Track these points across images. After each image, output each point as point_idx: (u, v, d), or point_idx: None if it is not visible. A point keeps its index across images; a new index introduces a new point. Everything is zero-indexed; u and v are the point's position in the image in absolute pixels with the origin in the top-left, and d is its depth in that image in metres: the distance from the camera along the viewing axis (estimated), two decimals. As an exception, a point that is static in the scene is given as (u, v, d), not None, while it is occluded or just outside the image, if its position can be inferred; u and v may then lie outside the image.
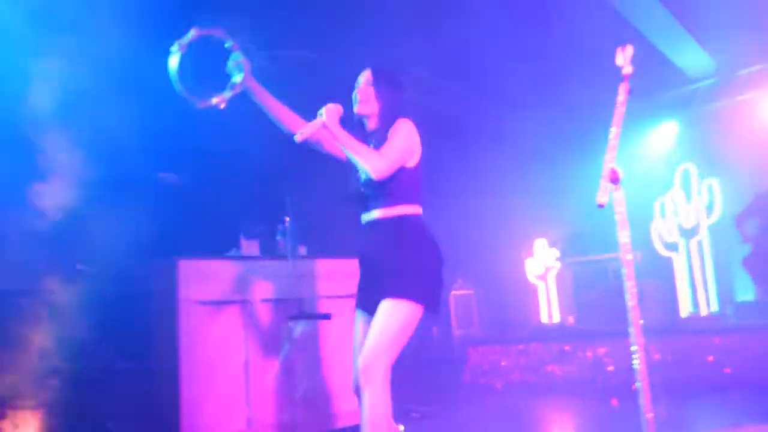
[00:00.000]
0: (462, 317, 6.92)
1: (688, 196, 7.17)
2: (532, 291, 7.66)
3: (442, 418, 4.58)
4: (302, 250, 4.04)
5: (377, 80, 2.54)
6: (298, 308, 3.80)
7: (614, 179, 2.06)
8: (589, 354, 5.65)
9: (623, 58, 2.30)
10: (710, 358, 5.06)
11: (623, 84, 2.27)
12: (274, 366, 3.79)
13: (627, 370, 5.24)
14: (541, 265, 7.63)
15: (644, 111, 7.74)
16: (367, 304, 2.46)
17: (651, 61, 6.86)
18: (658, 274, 7.07)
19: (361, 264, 2.56)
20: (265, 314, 3.78)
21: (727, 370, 4.90)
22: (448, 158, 7.26)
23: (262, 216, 4.14)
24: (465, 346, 6.48)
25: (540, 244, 7.66)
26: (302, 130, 2.35)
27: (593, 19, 5.76)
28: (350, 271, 4.15)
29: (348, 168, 2.58)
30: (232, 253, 3.88)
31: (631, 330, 1.95)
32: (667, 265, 7.16)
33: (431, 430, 4.19)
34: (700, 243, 7.03)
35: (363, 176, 2.46)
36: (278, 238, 3.90)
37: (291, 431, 3.67)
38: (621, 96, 2.26)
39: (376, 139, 2.50)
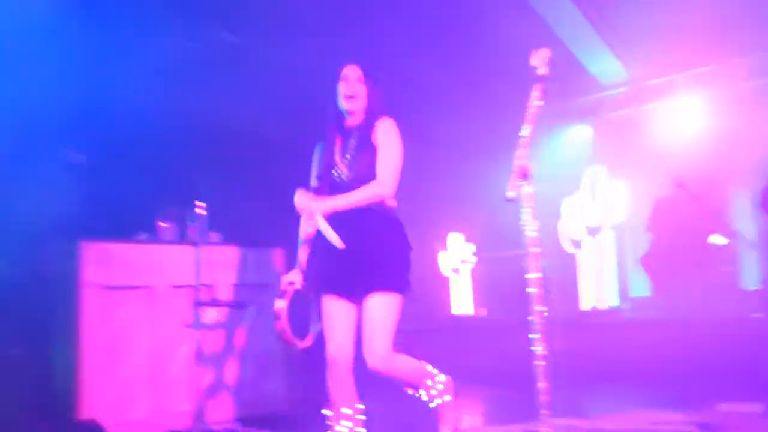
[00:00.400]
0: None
1: (595, 197, 7.55)
2: (445, 283, 7.83)
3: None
4: (215, 236, 3.95)
5: (368, 78, 2.61)
6: (209, 295, 3.71)
7: (524, 175, 2.14)
8: (497, 344, 5.86)
9: (538, 59, 2.37)
10: (608, 348, 5.36)
11: (538, 85, 2.35)
12: (182, 353, 3.69)
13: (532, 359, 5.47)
14: (457, 258, 7.81)
15: (559, 114, 8.07)
16: (346, 291, 2.54)
17: (568, 66, 7.15)
18: (562, 270, 7.42)
19: (335, 252, 2.51)
20: (173, 300, 3.67)
21: (624, 360, 5.21)
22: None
23: (175, 201, 4.01)
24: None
25: (455, 238, 7.84)
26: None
27: (513, 22, 5.93)
28: (264, 260, 4.14)
29: (323, 165, 2.62)
30: (141, 237, 3.74)
31: (533, 319, 2.03)
32: (571, 261, 7.53)
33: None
34: (602, 241, 7.44)
35: (344, 174, 2.57)
36: (190, 223, 3.79)
37: (198, 420, 3.59)
38: (535, 96, 2.34)
39: (359, 134, 2.59)
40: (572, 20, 6.58)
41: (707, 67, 7.38)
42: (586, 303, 7.40)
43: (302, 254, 2.67)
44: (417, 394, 2.66)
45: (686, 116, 7.77)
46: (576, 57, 7.26)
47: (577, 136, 8.58)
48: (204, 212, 3.61)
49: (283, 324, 2.49)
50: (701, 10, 5.79)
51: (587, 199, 7.64)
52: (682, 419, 3.49)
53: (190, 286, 3.64)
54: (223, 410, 3.78)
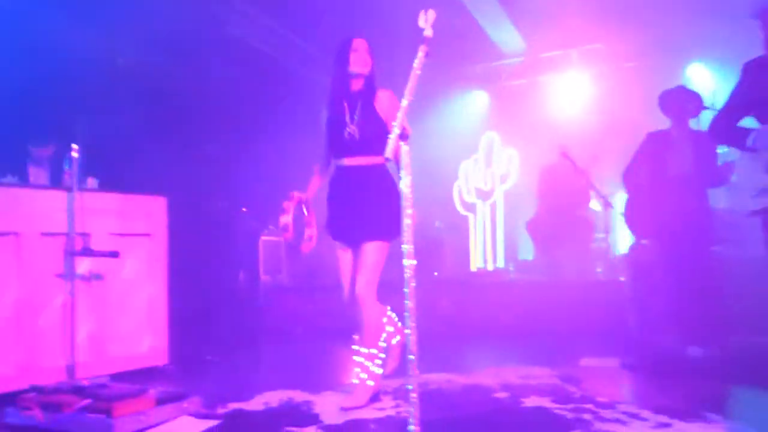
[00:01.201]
0: (270, 264, 6.90)
1: (489, 163, 7.81)
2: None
3: (238, 362, 4.60)
4: (92, 182, 3.72)
5: (371, 51, 3.10)
6: (82, 244, 3.52)
7: (404, 136, 2.15)
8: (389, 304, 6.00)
9: (425, 20, 2.35)
10: (491, 308, 5.64)
11: (422, 46, 2.34)
12: (53, 306, 3.49)
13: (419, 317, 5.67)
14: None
15: (459, 78, 8.22)
16: (349, 238, 3.10)
17: (469, 32, 7.26)
18: (456, 232, 7.67)
19: (337, 201, 3.13)
20: (43, 249, 3.45)
21: (505, 319, 5.51)
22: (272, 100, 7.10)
23: (48, 142, 3.73)
24: (271, 292, 6.52)
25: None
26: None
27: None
28: (145, 209, 3.97)
29: (336, 127, 3.07)
30: (8, 180, 3.46)
31: (407, 276, 2.07)
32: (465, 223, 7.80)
33: (224, 374, 4.18)
34: (493, 206, 7.74)
35: (356, 134, 3.02)
36: (65, 167, 3.54)
37: (71, 375, 3.43)
38: (419, 57, 2.33)
39: (362, 100, 3.06)
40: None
41: (597, 45, 7.77)
42: (475, 264, 7.71)
43: (313, 185, 3.22)
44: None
45: (576, 90, 8.18)
46: (478, 24, 7.37)
47: (475, 101, 8.80)
48: (78, 155, 3.38)
49: (290, 235, 2.99)
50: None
51: (481, 164, 7.89)
52: (548, 373, 3.76)
53: (63, 234, 3.43)
54: (98, 365, 3.63)
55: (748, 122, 2.74)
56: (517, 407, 3.03)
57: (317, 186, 3.24)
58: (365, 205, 3.04)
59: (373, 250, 3.01)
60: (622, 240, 6.70)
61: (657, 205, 4.19)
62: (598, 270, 6.37)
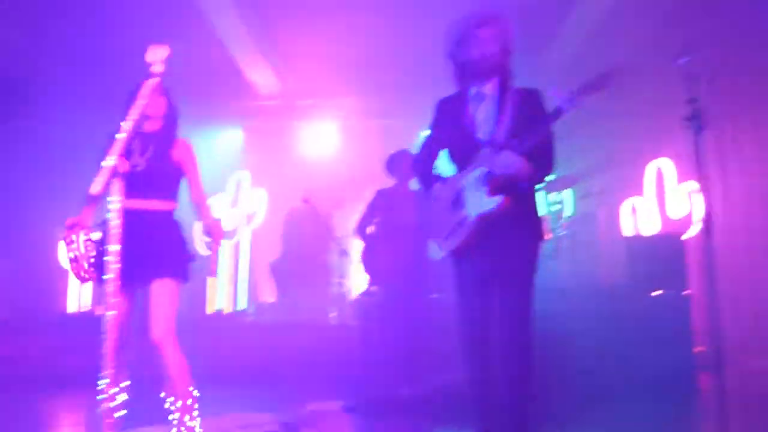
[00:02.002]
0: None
1: (236, 202, 7.73)
2: (63, 276, 7.02)
3: None
4: None
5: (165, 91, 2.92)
6: None
7: (115, 173, 2.01)
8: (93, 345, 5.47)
9: (155, 56, 2.27)
10: (224, 352, 5.46)
11: (149, 81, 2.25)
12: None
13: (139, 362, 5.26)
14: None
15: (213, 114, 8.05)
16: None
17: (226, 69, 7.18)
18: (193, 272, 7.35)
19: None
20: None
21: (236, 363, 5.36)
22: None
23: None
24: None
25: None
26: None
27: (175, 19, 5.63)
28: None
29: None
30: None
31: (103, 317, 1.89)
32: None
33: None
34: (237, 245, 7.65)
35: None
36: None
37: None
38: (145, 92, 2.23)
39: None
40: (235, 27, 6.64)
41: (349, 99, 8.29)
42: (214, 306, 7.47)
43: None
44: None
45: (326, 138, 8.59)
46: (235, 61, 7.35)
47: (229, 139, 8.69)
48: None
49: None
50: (355, 46, 6.44)
51: (227, 203, 7.78)
52: (269, 419, 3.73)
53: None
54: None
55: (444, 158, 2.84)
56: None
57: None
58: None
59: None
60: (359, 285, 7.07)
61: (382, 255, 4.56)
62: (332, 314, 6.60)
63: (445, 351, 4.73)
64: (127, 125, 2.08)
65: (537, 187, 2.68)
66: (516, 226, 2.55)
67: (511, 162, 2.44)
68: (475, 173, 2.57)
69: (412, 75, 6.91)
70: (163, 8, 5.54)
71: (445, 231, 2.66)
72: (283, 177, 7.97)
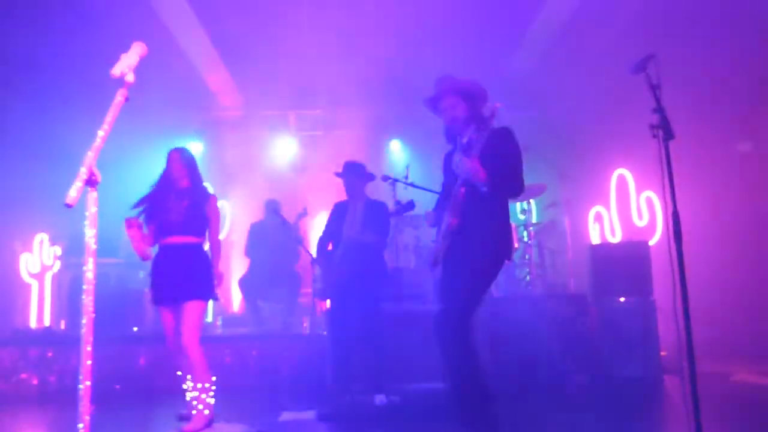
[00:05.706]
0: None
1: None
2: (25, 290, 6.76)
3: None
4: None
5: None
6: None
7: (91, 181, 1.97)
8: (73, 361, 5.33)
9: (125, 66, 2.22)
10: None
11: (122, 90, 2.20)
12: None
13: (109, 377, 5.14)
14: (39, 262, 6.83)
15: (174, 125, 7.92)
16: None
17: (188, 79, 7.09)
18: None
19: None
20: None
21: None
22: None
23: None
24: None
25: (40, 240, 6.84)
26: None
27: (136, 28, 5.55)
28: None
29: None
30: None
31: (84, 333, 1.86)
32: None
33: None
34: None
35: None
36: None
37: None
38: (116, 102, 2.19)
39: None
40: (198, 38, 6.61)
41: (316, 111, 8.32)
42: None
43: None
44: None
45: (292, 149, 8.57)
46: (198, 72, 7.28)
47: (190, 150, 8.54)
48: None
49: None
50: (318, 57, 6.45)
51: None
52: (243, 430, 3.69)
53: None
54: None
55: None
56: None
57: None
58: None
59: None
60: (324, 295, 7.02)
61: (338, 265, 4.62)
62: (305, 324, 6.55)
63: (415, 358, 4.79)
64: (101, 134, 2.04)
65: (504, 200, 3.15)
66: (472, 240, 3.04)
67: (463, 163, 3.00)
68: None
69: (375, 87, 6.99)
70: (123, 19, 5.48)
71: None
72: (248, 188, 7.91)
